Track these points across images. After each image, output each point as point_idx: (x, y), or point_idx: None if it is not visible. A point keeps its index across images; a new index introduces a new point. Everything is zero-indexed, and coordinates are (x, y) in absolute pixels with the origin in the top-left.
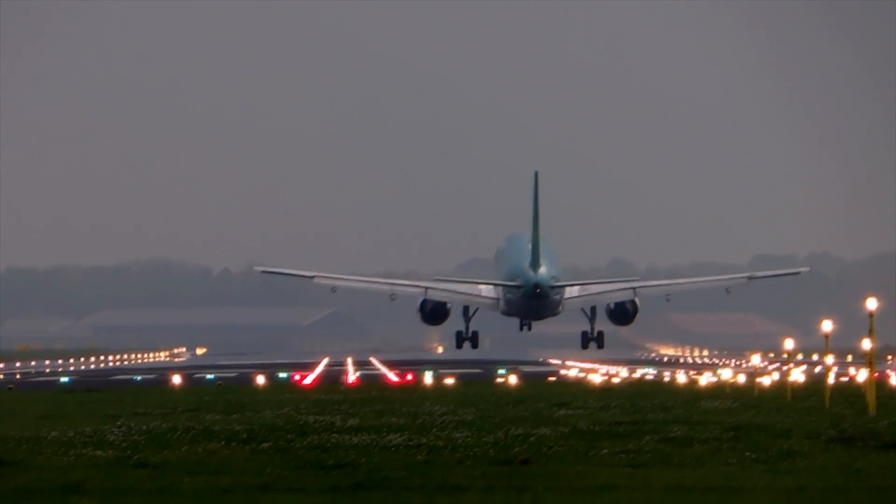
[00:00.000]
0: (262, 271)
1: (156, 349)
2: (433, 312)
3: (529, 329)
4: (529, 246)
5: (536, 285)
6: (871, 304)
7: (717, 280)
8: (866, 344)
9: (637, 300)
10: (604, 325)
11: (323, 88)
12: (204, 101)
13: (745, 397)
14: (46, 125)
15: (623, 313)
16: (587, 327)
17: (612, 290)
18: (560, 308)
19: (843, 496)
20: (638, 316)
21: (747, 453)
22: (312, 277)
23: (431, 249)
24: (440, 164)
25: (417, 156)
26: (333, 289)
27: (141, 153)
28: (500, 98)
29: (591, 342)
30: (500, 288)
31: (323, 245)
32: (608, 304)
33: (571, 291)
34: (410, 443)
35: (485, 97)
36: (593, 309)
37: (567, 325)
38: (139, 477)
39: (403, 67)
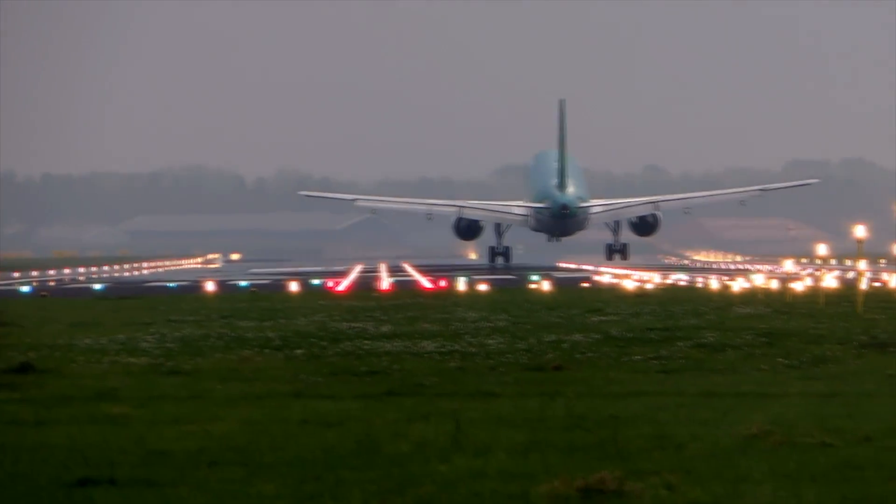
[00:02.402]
0: (305, 195)
1: (190, 255)
2: (467, 229)
3: (558, 241)
4: (556, 165)
5: (564, 206)
6: None
7: (732, 193)
8: None
9: (658, 213)
10: (629, 236)
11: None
12: (235, 7)
13: (777, 303)
14: (86, 34)
15: (645, 226)
16: (612, 240)
17: (635, 205)
18: (587, 224)
19: (875, 402)
20: (660, 228)
21: (779, 359)
22: (354, 200)
23: (465, 156)
24: (476, 70)
25: (452, 62)
26: (373, 211)
27: (174, 60)
28: (534, 6)
29: (615, 254)
30: (530, 207)
31: (356, 151)
32: (631, 218)
33: (596, 207)
34: (443, 349)
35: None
36: (617, 223)
37: (596, 232)
38: (172, 384)
39: None
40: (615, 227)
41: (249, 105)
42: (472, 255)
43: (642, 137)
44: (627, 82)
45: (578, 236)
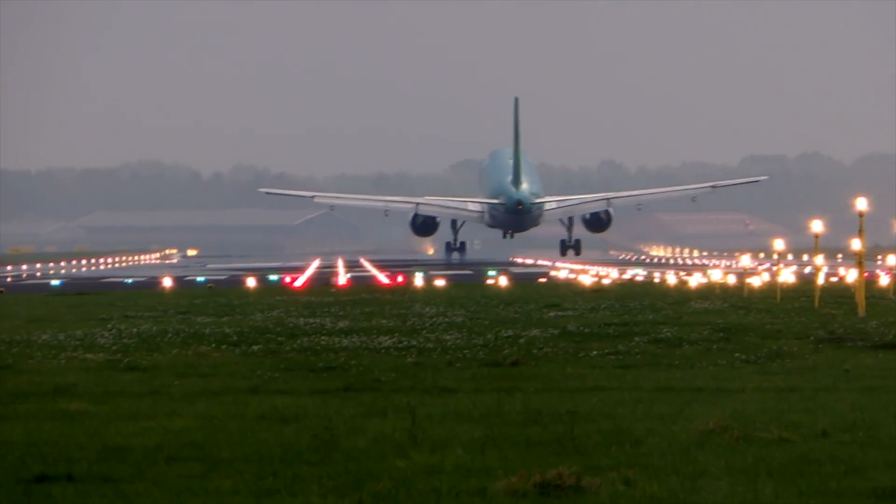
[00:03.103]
0: (266, 192)
1: (148, 251)
2: (424, 225)
3: (512, 237)
4: (511, 162)
5: (519, 202)
6: (861, 204)
7: (684, 189)
8: (856, 244)
9: (610, 210)
10: (581, 232)
11: None
12: (190, 3)
13: (734, 298)
14: (42, 29)
15: (598, 222)
16: (565, 236)
17: (587, 202)
18: (540, 220)
19: (832, 396)
20: (612, 224)
21: (737, 354)
22: (313, 197)
23: (422, 151)
24: (432, 66)
25: (409, 58)
26: (332, 207)
27: (130, 55)
28: (493, 3)
29: (569, 249)
30: (485, 203)
31: (313, 146)
32: (584, 214)
33: (550, 204)
34: (400, 345)
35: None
36: (571, 219)
37: (548, 228)
38: (130, 380)
39: None
40: (568, 224)
41: (206, 100)
42: (430, 251)
43: (599, 133)
44: (585, 79)
45: (532, 232)
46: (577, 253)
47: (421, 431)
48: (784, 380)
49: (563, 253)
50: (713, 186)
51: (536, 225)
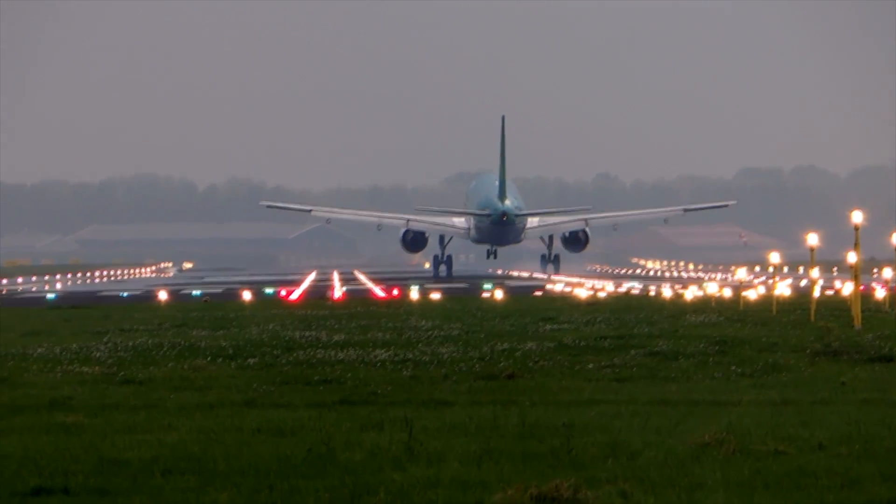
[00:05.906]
0: (267, 206)
1: (143, 264)
2: (413, 241)
3: (496, 257)
4: (497, 182)
5: (504, 213)
6: (857, 217)
7: (658, 212)
8: (852, 257)
9: (588, 229)
10: (560, 250)
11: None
12: (188, 14)
13: (730, 311)
14: (34, 41)
15: (576, 241)
16: (546, 252)
17: (566, 221)
18: (523, 235)
19: (828, 409)
20: (589, 243)
21: (732, 367)
22: (310, 211)
23: (417, 164)
24: (427, 78)
25: (404, 71)
26: (328, 220)
27: (123, 68)
28: (487, 15)
29: (549, 264)
30: (471, 218)
31: (309, 159)
32: (563, 233)
33: (532, 222)
34: (396, 358)
35: (473, 14)
36: (551, 237)
37: (530, 244)
38: (125, 393)
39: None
40: (549, 242)
41: (201, 113)
42: (426, 265)
43: (595, 146)
44: (581, 91)
45: (515, 248)
46: (556, 268)
47: (417, 444)
48: (780, 393)
49: (544, 267)
50: (685, 210)
51: (518, 241)
